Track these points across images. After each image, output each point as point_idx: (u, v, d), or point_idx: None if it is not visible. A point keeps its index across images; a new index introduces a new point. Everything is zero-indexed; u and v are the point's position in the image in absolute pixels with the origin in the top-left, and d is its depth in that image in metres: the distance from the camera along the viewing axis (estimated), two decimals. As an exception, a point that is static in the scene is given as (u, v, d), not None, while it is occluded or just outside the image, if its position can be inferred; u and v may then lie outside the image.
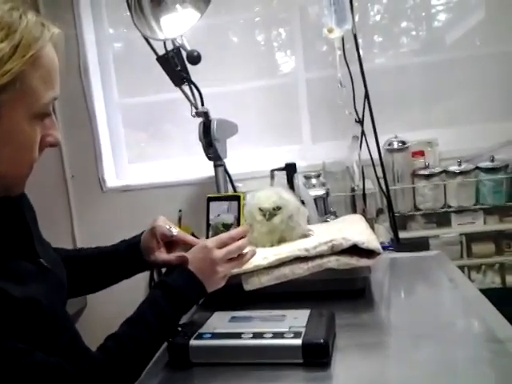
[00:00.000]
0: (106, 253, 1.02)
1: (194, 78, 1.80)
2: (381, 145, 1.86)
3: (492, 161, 1.94)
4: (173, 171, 2.35)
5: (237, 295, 1.07)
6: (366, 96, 1.81)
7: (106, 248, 1.03)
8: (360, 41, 1.84)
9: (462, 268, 1.88)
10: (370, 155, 1.85)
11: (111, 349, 0.77)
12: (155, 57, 1.79)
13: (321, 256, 1.07)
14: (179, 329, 0.88)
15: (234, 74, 2.30)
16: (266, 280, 1.08)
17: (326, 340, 0.81)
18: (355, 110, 1.89)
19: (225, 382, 0.81)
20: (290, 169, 1.66)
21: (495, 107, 2.08)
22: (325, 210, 1.70)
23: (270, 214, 1.18)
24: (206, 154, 1.82)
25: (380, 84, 2.05)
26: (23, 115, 0.69)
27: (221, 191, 1.87)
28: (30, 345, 0.66)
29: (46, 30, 0.71)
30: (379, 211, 1.93)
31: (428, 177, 1.97)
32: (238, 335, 0.85)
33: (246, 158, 2.26)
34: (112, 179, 2.41)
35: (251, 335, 0.84)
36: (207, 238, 0.97)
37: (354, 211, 1.89)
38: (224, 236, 0.93)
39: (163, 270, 0.97)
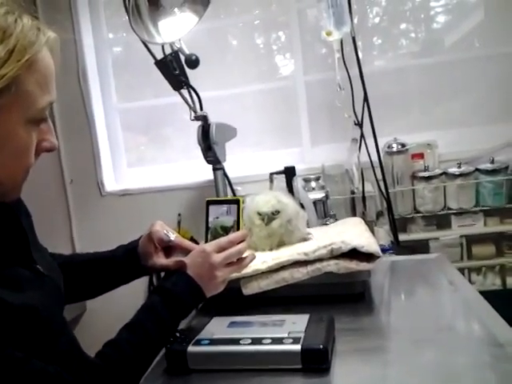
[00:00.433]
0: (103, 258, 1.01)
1: (192, 82, 1.80)
2: (380, 147, 1.86)
3: (492, 162, 1.93)
4: (172, 175, 2.35)
5: (236, 300, 1.06)
6: (365, 98, 1.81)
7: (104, 253, 1.02)
8: (359, 43, 1.84)
9: (462, 270, 1.88)
10: (370, 158, 1.85)
11: (109, 355, 0.76)
12: (154, 61, 1.78)
13: (320, 260, 1.07)
14: (177, 334, 0.88)
15: (233, 77, 2.30)
16: (265, 284, 1.07)
17: (325, 345, 0.80)
18: (354, 112, 1.89)
19: (223, 389, 0.81)
20: (289, 172, 1.66)
21: (495, 109, 2.07)
22: (324, 213, 1.70)
23: (269, 218, 1.17)
24: (205, 158, 1.82)
25: (379, 86, 2.05)
26: (19, 120, 0.69)
27: (220, 195, 1.86)
28: (27, 352, 0.65)
29: (42, 34, 0.70)
30: (379, 214, 1.92)
31: (428, 179, 1.96)
32: (236, 341, 0.84)
33: (245, 162, 2.25)
34: (111, 183, 2.41)
35: (250, 341, 0.83)
36: (206, 242, 0.96)
37: (354, 214, 1.88)
38: (223, 240, 0.92)
39: (163, 274, 0.97)
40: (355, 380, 0.80)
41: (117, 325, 0.81)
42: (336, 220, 1.66)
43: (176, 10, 1.68)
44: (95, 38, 2.36)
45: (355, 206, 1.90)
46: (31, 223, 0.88)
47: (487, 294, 1.06)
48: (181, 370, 0.85)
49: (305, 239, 1.24)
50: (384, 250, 1.56)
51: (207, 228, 0.98)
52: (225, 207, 0.97)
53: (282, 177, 1.69)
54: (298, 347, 0.80)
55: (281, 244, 1.21)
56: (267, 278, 1.07)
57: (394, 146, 1.98)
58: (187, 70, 1.76)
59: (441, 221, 2.00)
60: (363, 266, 1.05)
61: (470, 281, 1.93)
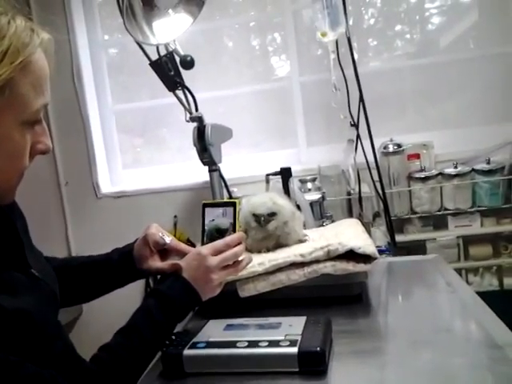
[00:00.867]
0: (98, 262, 1.00)
1: (188, 83, 1.79)
2: (376, 148, 1.85)
3: (488, 163, 1.94)
4: (168, 177, 2.34)
5: (232, 302, 1.05)
6: (361, 99, 1.81)
7: (99, 257, 1.01)
8: (354, 44, 1.84)
9: (459, 271, 1.88)
10: (366, 158, 1.85)
11: (104, 359, 0.76)
12: (149, 62, 1.78)
13: (317, 261, 1.06)
14: (173, 337, 0.87)
15: (228, 78, 2.30)
16: (261, 287, 1.07)
17: (322, 348, 0.79)
18: (350, 113, 1.89)
19: (220, 392, 0.80)
20: (286, 173, 1.66)
21: (490, 109, 2.08)
22: (321, 214, 1.69)
23: (265, 220, 1.16)
24: (201, 159, 1.81)
25: (375, 87, 2.05)
26: (13, 122, 0.68)
27: (216, 196, 1.86)
28: (21, 356, 0.65)
29: (36, 36, 0.70)
30: (375, 215, 1.92)
31: (424, 179, 1.96)
32: (232, 344, 0.83)
33: (240, 163, 2.25)
34: (106, 185, 2.40)
35: (246, 344, 0.83)
36: (202, 244, 0.95)
37: (350, 215, 1.88)
38: (219, 243, 0.91)
39: (159, 277, 0.96)
40: (353, 382, 0.79)
41: (113, 328, 0.81)
42: (332, 221, 1.65)
43: (170, 10, 1.68)
44: (90, 40, 2.35)
45: (352, 207, 1.90)
46: (26, 226, 0.87)
47: (484, 295, 1.06)
48: (176, 374, 0.84)
49: (301, 241, 1.23)
50: (381, 252, 1.56)
51: (203, 231, 0.97)
52: (221, 210, 0.97)
53: (278, 178, 1.68)
54: (294, 350, 0.79)
55: (277, 246, 1.21)
56: (264, 280, 1.07)
57: (390, 146, 1.99)
58: (182, 71, 1.76)
59: (437, 221, 2.00)
60: (360, 267, 1.04)
61: (467, 281, 1.93)
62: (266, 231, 1.18)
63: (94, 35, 2.36)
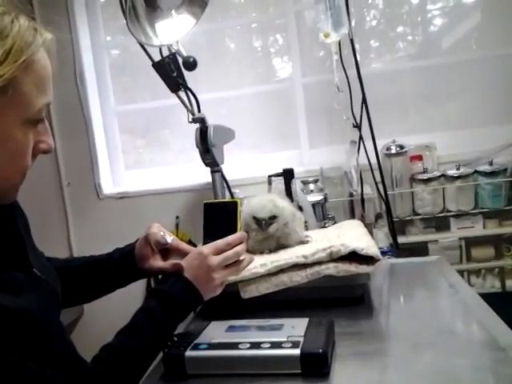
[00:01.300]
0: (99, 261, 1.00)
1: (190, 84, 1.79)
2: (379, 149, 1.85)
3: (491, 164, 1.93)
4: (170, 178, 2.34)
5: (234, 304, 1.05)
6: (364, 101, 1.81)
7: (100, 257, 1.01)
8: (357, 46, 1.84)
9: (461, 272, 1.87)
10: (368, 160, 1.85)
11: (106, 360, 0.75)
12: (151, 63, 1.78)
13: (319, 263, 1.06)
14: (175, 339, 0.87)
15: (230, 79, 2.30)
16: (263, 288, 1.06)
17: (324, 349, 0.79)
18: (353, 114, 1.88)
19: (222, 394, 0.80)
20: (288, 174, 1.65)
21: (493, 110, 2.07)
22: (323, 215, 1.69)
23: (266, 223, 1.16)
24: (203, 160, 1.81)
25: (377, 89, 2.05)
26: (15, 121, 0.68)
27: (218, 197, 1.86)
28: (23, 356, 0.65)
29: (39, 35, 0.70)
30: (378, 216, 1.92)
31: (426, 181, 1.96)
32: (235, 345, 0.83)
33: (243, 164, 2.25)
34: (108, 186, 2.40)
35: (248, 345, 0.82)
36: (204, 243, 0.95)
37: (353, 216, 1.88)
38: (220, 242, 0.91)
39: (160, 277, 0.96)
40: (355, 384, 0.79)
41: (114, 328, 0.81)
42: (335, 222, 1.65)
43: (173, 12, 1.68)
44: (92, 40, 2.36)
45: (354, 209, 1.90)
46: (27, 226, 0.87)
47: (486, 297, 1.06)
48: (178, 375, 0.84)
49: (302, 242, 1.23)
50: (383, 253, 1.55)
51: (204, 231, 0.97)
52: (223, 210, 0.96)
53: (281, 179, 1.68)
54: (297, 351, 0.79)
55: (279, 247, 1.21)
56: (266, 282, 1.06)
57: (393, 148, 1.98)
58: (185, 72, 1.76)
59: (440, 223, 1.99)
60: (363, 268, 1.04)
61: (469, 283, 1.93)
62: (267, 233, 1.17)
63: (96, 36, 2.36)
